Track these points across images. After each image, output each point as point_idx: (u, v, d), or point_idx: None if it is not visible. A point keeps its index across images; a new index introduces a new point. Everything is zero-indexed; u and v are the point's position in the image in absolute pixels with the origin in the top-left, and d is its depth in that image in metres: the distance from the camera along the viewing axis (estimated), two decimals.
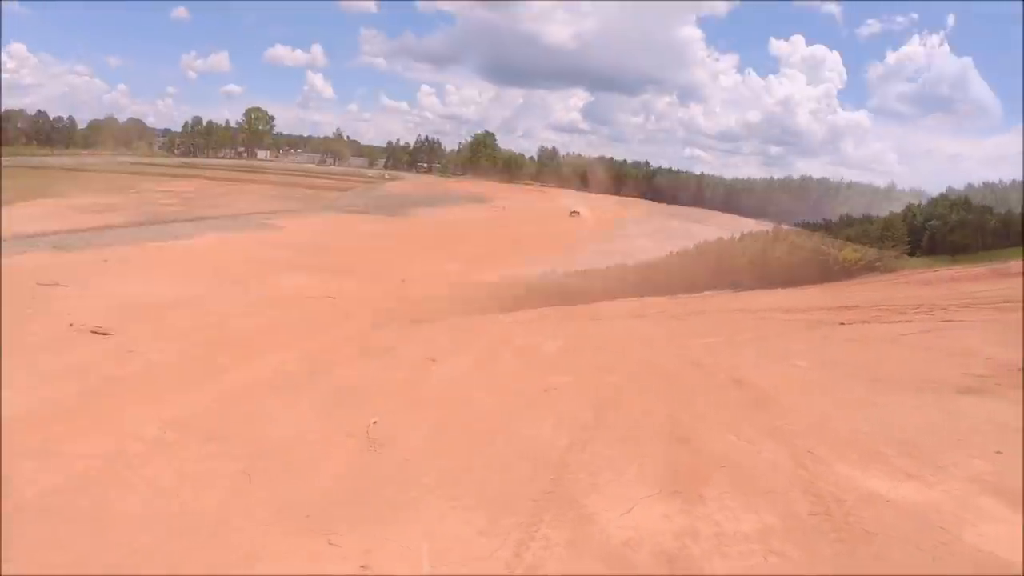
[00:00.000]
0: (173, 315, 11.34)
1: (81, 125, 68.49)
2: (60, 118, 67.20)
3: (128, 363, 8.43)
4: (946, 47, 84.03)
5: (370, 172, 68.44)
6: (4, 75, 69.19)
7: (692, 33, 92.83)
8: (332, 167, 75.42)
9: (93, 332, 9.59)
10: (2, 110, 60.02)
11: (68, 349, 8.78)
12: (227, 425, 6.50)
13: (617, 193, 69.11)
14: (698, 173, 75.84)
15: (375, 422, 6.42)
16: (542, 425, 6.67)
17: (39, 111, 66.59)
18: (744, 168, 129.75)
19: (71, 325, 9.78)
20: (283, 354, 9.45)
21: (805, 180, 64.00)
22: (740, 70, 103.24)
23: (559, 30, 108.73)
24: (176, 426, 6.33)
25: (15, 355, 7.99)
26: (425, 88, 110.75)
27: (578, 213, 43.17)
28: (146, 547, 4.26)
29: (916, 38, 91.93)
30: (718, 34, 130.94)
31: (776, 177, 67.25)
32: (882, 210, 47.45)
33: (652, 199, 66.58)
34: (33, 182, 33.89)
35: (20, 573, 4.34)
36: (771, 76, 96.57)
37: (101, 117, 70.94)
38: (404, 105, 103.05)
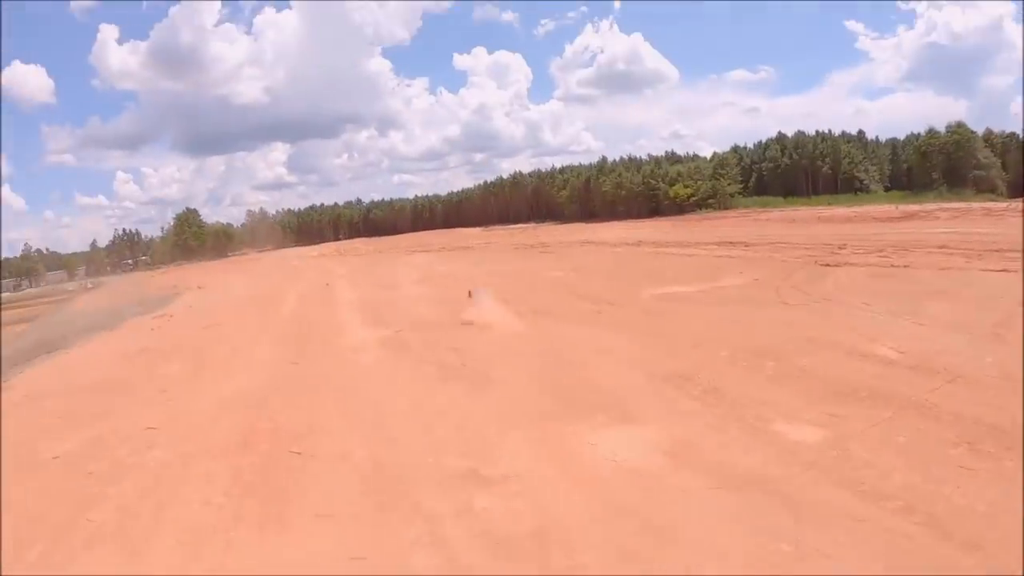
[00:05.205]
0: None
1: None
2: None
3: None
4: (616, 28, 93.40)
5: (70, 286, 54.87)
6: None
7: (380, 65, 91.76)
8: (28, 291, 62.21)
9: None
10: None
11: None
12: None
13: (336, 238, 69.02)
14: (411, 197, 77.10)
15: None
16: None
17: None
18: (456, 181, 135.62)
19: None
20: None
21: (517, 177, 66.99)
22: (432, 90, 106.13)
23: (248, 87, 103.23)
24: None
25: None
26: (121, 176, 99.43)
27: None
28: None
29: (589, 27, 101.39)
30: (405, 61, 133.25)
31: (488, 181, 69.64)
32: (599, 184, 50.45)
33: (371, 234, 67.00)
34: None
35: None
36: (462, 89, 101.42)
37: None
38: (102, 199, 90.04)
